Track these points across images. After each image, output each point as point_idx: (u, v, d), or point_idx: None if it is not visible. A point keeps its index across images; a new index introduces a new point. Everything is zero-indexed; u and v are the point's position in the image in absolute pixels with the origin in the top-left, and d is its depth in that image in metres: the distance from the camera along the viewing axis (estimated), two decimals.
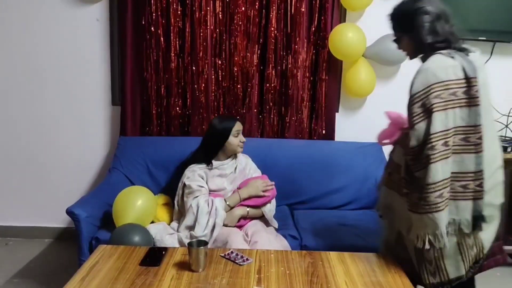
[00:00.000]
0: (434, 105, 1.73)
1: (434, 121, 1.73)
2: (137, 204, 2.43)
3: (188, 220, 2.39)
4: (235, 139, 2.60)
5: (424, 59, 1.86)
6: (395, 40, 1.99)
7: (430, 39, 1.83)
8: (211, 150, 2.63)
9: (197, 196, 2.44)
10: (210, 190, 2.54)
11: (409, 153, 1.80)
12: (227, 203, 2.47)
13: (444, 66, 1.77)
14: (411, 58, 1.99)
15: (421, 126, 1.76)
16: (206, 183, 2.55)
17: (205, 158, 2.62)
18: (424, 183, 1.74)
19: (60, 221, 3.36)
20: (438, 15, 1.85)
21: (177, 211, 2.58)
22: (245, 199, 2.51)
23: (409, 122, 1.80)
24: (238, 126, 2.62)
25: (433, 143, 1.72)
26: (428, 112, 1.74)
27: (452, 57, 1.79)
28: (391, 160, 2.00)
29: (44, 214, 3.38)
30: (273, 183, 2.59)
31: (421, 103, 1.76)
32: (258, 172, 2.76)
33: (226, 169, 2.63)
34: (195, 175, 2.54)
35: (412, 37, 1.89)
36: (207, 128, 2.72)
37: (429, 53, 1.83)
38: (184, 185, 2.53)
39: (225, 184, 2.59)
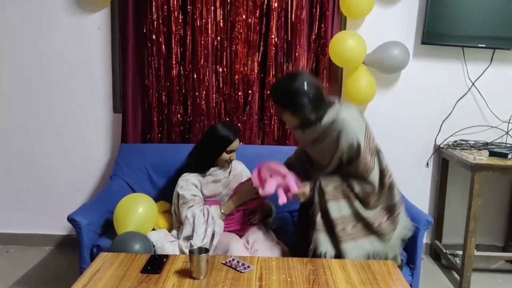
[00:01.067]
0: (376, 146, 2.11)
1: (381, 157, 2.13)
2: (138, 211, 2.43)
3: (186, 231, 2.36)
4: (226, 155, 2.55)
5: (317, 119, 2.06)
6: (279, 112, 2.14)
7: (313, 115, 2.03)
8: (207, 159, 2.58)
9: (191, 206, 2.41)
10: (205, 197, 2.53)
11: (373, 196, 2.11)
12: (222, 211, 2.45)
13: (356, 115, 2.10)
14: (293, 130, 2.17)
15: (376, 168, 2.09)
16: (201, 190, 2.53)
17: (199, 167, 2.58)
18: (394, 202, 2.19)
19: (61, 228, 3.36)
20: (314, 93, 2.02)
21: (175, 219, 2.58)
22: (239, 205, 2.50)
23: (365, 172, 2.07)
24: (235, 145, 2.54)
25: (390, 171, 2.14)
26: (376, 153, 2.09)
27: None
28: (330, 219, 2.12)
29: (45, 222, 3.38)
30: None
31: (368, 150, 2.04)
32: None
33: (219, 175, 2.60)
34: (188, 184, 2.51)
35: (295, 114, 2.06)
36: (206, 133, 2.65)
37: (318, 121, 2.05)
38: (178, 194, 2.50)
39: (220, 189, 2.58)
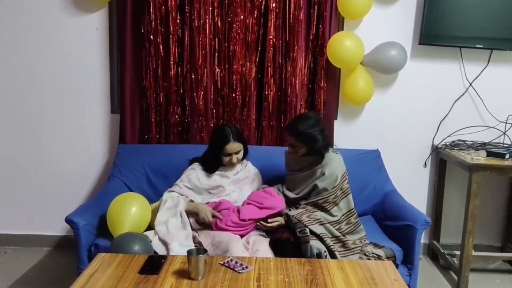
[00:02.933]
0: (348, 189, 2.58)
1: (350, 199, 2.57)
2: (132, 211, 2.42)
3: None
4: (225, 158, 2.65)
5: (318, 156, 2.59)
6: (291, 146, 2.58)
7: (324, 149, 2.57)
8: (211, 160, 2.71)
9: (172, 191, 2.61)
10: (208, 188, 2.64)
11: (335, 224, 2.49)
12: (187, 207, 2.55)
13: (341, 160, 2.63)
14: (295, 155, 2.59)
15: (341, 205, 2.53)
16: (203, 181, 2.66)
17: (207, 166, 2.71)
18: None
19: (59, 229, 3.35)
20: (324, 132, 2.56)
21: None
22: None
23: (331, 203, 2.50)
24: (230, 147, 2.62)
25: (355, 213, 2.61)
26: (346, 194, 2.56)
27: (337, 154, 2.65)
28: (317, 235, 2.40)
29: (43, 222, 3.37)
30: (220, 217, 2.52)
31: (340, 187, 2.52)
32: (255, 181, 2.79)
33: (227, 170, 2.70)
34: (190, 175, 2.67)
35: (308, 147, 2.54)
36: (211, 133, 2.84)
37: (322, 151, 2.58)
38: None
39: (224, 183, 2.64)
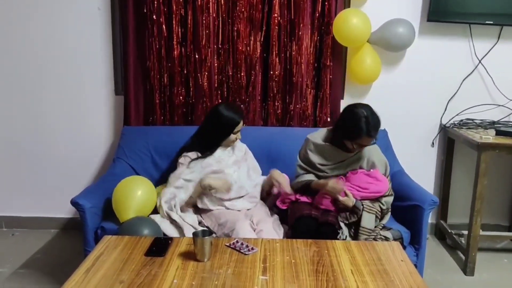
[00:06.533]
0: None
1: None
2: (138, 194, 2.42)
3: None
4: (233, 136, 2.60)
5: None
6: (364, 145, 2.43)
7: None
8: (213, 141, 2.61)
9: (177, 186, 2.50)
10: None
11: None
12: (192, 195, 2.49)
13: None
14: (360, 149, 2.49)
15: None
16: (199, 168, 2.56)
17: (205, 148, 2.60)
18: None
19: (66, 211, 3.37)
20: None
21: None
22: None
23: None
24: (241, 125, 2.60)
25: None
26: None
27: None
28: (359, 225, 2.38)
29: (50, 205, 3.39)
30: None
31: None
32: (253, 160, 2.78)
33: (222, 155, 2.63)
34: (185, 166, 2.57)
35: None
36: (210, 115, 2.66)
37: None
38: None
39: (224, 168, 2.58)
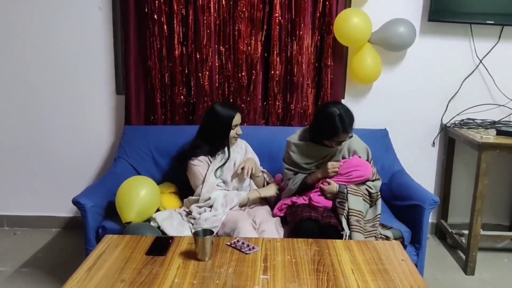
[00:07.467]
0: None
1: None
2: (141, 194, 2.42)
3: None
4: (232, 132, 2.61)
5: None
6: (341, 142, 2.48)
7: None
8: (218, 141, 2.63)
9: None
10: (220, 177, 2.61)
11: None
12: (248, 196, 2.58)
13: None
14: (339, 145, 2.52)
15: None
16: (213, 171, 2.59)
17: (213, 150, 2.63)
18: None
19: (67, 210, 3.37)
20: None
21: (187, 201, 2.60)
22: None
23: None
24: (237, 118, 2.60)
25: None
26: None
27: None
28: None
29: (51, 204, 3.39)
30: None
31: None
32: (254, 155, 2.78)
33: (232, 153, 2.66)
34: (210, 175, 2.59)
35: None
36: (207, 115, 2.67)
37: None
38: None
39: (231, 166, 2.63)
